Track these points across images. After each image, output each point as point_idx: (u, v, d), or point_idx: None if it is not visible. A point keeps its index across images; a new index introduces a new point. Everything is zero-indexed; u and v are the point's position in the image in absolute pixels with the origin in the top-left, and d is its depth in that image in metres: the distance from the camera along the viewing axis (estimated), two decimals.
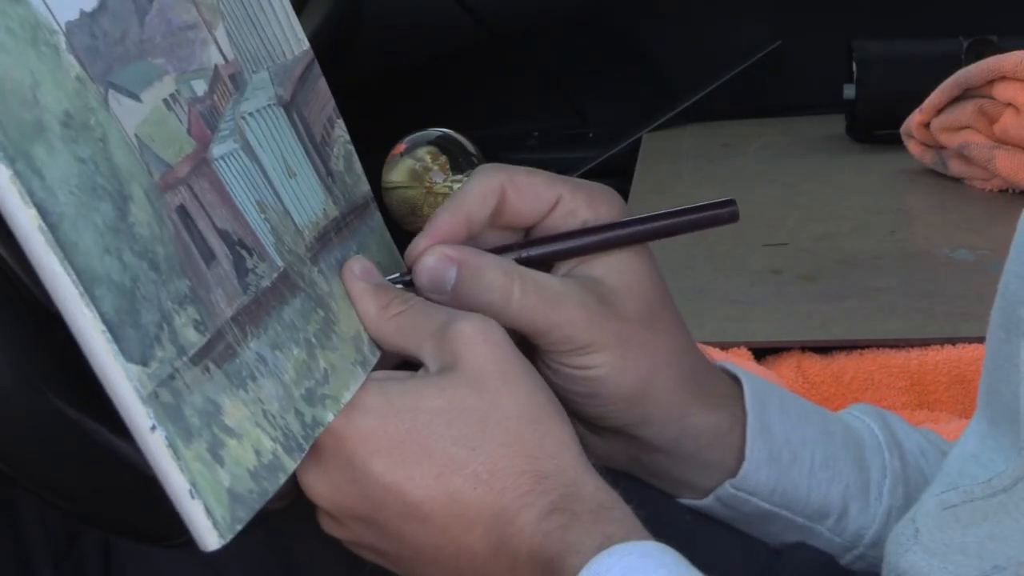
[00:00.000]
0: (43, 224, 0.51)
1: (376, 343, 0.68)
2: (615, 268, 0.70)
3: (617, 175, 1.88)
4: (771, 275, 1.48)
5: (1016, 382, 0.63)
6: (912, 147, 1.75)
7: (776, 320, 1.37)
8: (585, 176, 1.93)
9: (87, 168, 0.54)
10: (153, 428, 0.53)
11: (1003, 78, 1.64)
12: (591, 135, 2.12)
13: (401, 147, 1.80)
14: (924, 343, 1.30)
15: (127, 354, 0.53)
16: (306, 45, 0.74)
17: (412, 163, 1.78)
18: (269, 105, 0.69)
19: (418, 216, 1.78)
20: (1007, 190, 1.66)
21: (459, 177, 1.76)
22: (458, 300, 0.68)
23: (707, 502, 0.75)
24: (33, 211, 0.51)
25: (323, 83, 0.74)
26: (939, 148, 1.72)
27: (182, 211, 0.59)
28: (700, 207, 0.72)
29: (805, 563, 0.76)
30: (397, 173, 1.78)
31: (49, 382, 0.58)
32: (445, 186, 1.77)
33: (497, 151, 1.96)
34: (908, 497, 0.76)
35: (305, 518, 0.66)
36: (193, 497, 0.54)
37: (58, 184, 0.52)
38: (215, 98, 0.64)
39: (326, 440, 0.63)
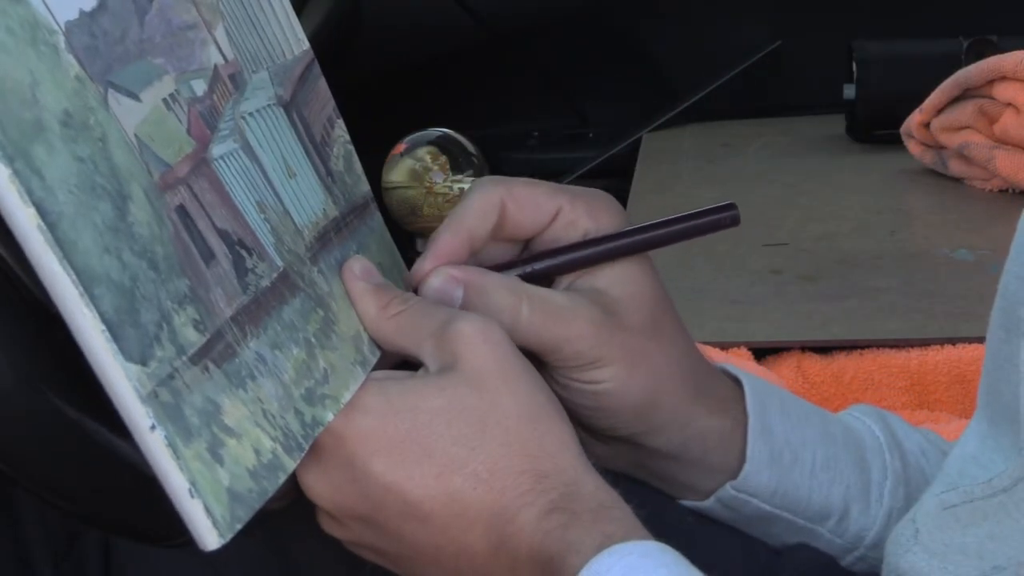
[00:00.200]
0: (42, 223, 0.51)
1: (376, 343, 0.68)
2: (618, 278, 0.70)
3: (617, 175, 1.88)
4: (771, 275, 1.48)
5: (1016, 382, 0.63)
6: (912, 147, 1.75)
7: (776, 320, 1.37)
8: (585, 176, 1.93)
9: (86, 167, 0.54)
10: (152, 427, 0.53)
11: (1003, 78, 1.64)
12: (591, 135, 2.12)
13: (401, 147, 1.79)
14: (924, 343, 1.30)
15: (126, 353, 0.53)
16: (306, 45, 0.74)
17: (412, 163, 1.78)
18: (269, 105, 0.69)
19: (418, 216, 1.78)
20: (1007, 190, 1.66)
21: (459, 177, 1.76)
22: None
23: (708, 503, 0.75)
24: (32, 210, 0.51)
25: (323, 83, 0.74)
26: (939, 148, 1.72)
27: (181, 211, 0.59)
28: (701, 212, 0.72)
29: (805, 564, 0.76)
30: (397, 173, 1.78)
31: (49, 382, 0.58)
32: (445, 186, 1.77)
33: (497, 151, 1.97)
34: (909, 498, 0.76)
35: (305, 518, 0.66)
36: (192, 496, 0.54)
37: (57, 183, 0.52)
38: (215, 98, 0.64)
39: (326, 440, 0.63)
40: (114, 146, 0.56)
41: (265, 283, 0.63)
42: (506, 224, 0.71)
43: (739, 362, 1.24)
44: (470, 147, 1.79)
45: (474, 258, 0.70)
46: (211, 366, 0.57)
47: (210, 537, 0.55)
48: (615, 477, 0.66)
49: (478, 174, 1.75)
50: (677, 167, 1.87)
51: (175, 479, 0.54)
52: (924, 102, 1.70)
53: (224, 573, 0.78)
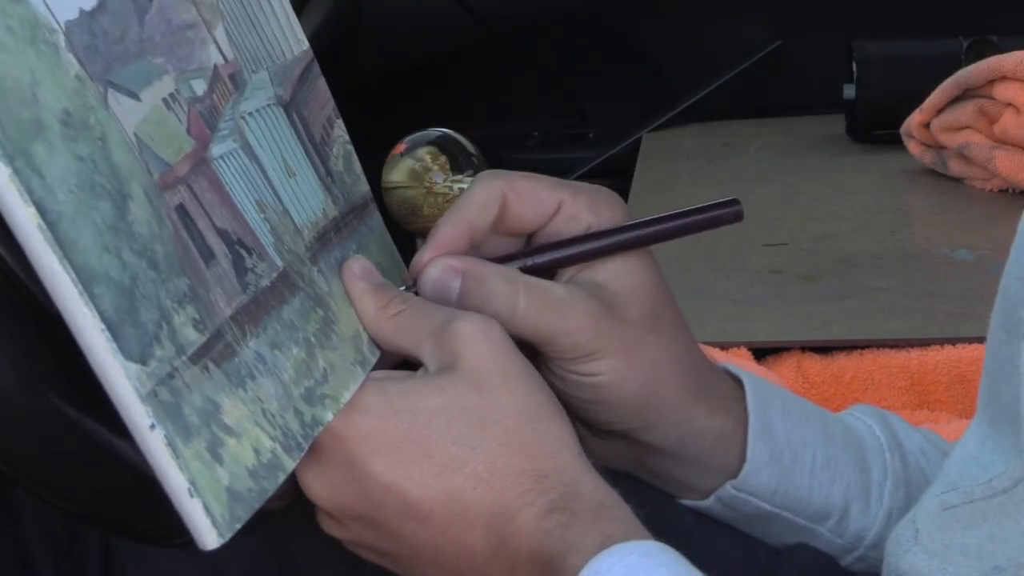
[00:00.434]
0: (42, 222, 0.51)
1: (375, 343, 0.68)
2: (619, 273, 0.70)
3: (617, 175, 1.88)
4: (771, 275, 1.48)
5: (1016, 383, 0.63)
6: (912, 147, 1.75)
7: (776, 320, 1.37)
8: (585, 176, 1.93)
9: (86, 167, 0.54)
10: (152, 427, 0.53)
11: (1003, 78, 1.64)
12: (591, 135, 2.12)
13: (401, 147, 1.79)
14: (924, 343, 1.30)
15: (126, 352, 0.53)
16: (306, 45, 0.74)
17: (412, 163, 1.77)
18: (269, 105, 0.69)
19: (418, 216, 1.77)
20: (1007, 190, 1.66)
21: (459, 177, 1.76)
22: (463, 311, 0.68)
23: (708, 503, 0.75)
24: (32, 209, 0.51)
25: (323, 83, 0.74)
26: (939, 148, 1.72)
27: (181, 210, 0.59)
28: (704, 208, 0.72)
29: (805, 564, 0.76)
30: (397, 173, 1.78)
31: (49, 382, 0.58)
32: (445, 186, 1.76)
33: (497, 151, 1.96)
34: (909, 498, 0.76)
35: (305, 518, 0.66)
36: (192, 496, 0.54)
37: (57, 182, 0.52)
38: (215, 98, 0.64)
39: (325, 440, 0.63)
40: (114, 145, 0.56)
41: (265, 283, 0.63)
42: (507, 217, 0.71)
43: (739, 362, 1.24)
44: (470, 147, 1.79)
45: (475, 251, 0.70)
46: (211, 365, 0.57)
47: (209, 536, 0.55)
48: (615, 476, 0.66)
49: (478, 174, 1.75)
50: (677, 167, 1.87)
51: (174, 478, 0.54)
52: (924, 102, 1.70)
53: (224, 573, 0.78)
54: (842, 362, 1.30)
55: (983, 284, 1.37)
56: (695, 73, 2.06)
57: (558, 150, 2.07)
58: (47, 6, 0.55)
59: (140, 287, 0.54)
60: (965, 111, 1.67)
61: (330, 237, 0.69)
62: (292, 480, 0.63)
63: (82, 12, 0.57)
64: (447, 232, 0.69)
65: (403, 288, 0.70)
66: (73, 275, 0.52)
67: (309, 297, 0.65)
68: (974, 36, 1.82)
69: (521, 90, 2.16)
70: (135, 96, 0.58)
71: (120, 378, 0.53)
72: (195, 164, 0.61)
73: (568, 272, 0.71)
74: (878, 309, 1.38)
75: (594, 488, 0.64)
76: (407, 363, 0.68)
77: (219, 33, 0.66)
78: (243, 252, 0.62)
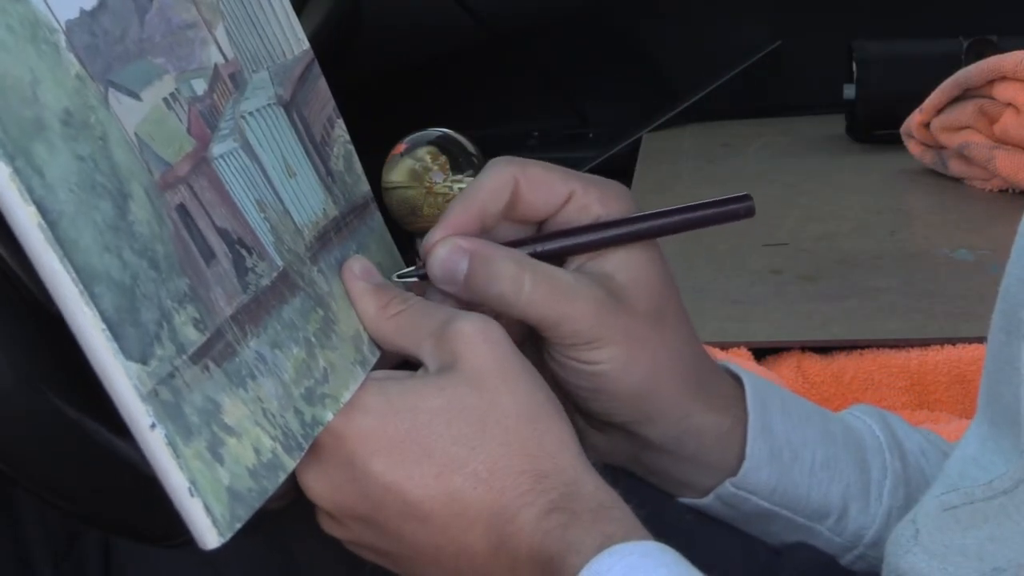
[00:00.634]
0: (42, 222, 0.51)
1: (376, 343, 0.68)
2: (626, 264, 0.70)
3: (617, 175, 1.86)
4: (771, 275, 1.48)
5: (1017, 384, 0.63)
6: (912, 147, 1.75)
7: (776, 320, 1.37)
8: None
9: (87, 166, 0.54)
10: (153, 426, 0.53)
11: (1003, 78, 1.64)
12: (591, 135, 2.12)
13: (401, 147, 1.79)
14: (924, 343, 1.30)
15: (127, 352, 0.53)
16: (306, 45, 0.74)
17: (412, 163, 1.77)
18: (269, 104, 0.69)
19: (418, 216, 1.77)
20: (1007, 190, 1.66)
21: (459, 177, 1.76)
22: (470, 291, 0.68)
23: (707, 501, 0.75)
24: (32, 208, 0.51)
25: (323, 83, 0.74)
26: (939, 148, 1.72)
27: (182, 210, 0.59)
28: (716, 202, 0.72)
29: (805, 563, 0.76)
30: (397, 173, 1.78)
31: (49, 382, 0.58)
32: (445, 186, 1.76)
33: (497, 151, 1.95)
34: (909, 498, 0.76)
35: (305, 518, 0.66)
36: (192, 495, 0.54)
37: (58, 182, 0.52)
38: (215, 97, 0.64)
39: (326, 440, 0.63)
40: (114, 145, 0.56)
41: (265, 282, 0.63)
42: (518, 204, 0.71)
43: (739, 362, 1.24)
44: (470, 147, 1.79)
45: (486, 236, 0.70)
46: (211, 365, 0.57)
47: (210, 536, 0.55)
48: (615, 476, 0.66)
49: (478, 174, 1.75)
50: (677, 167, 1.87)
51: (175, 478, 0.54)
52: (924, 102, 1.70)
53: (224, 573, 0.78)
54: (842, 362, 1.30)
55: (983, 284, 1.37)
56: (695, 73, 2.06)
57: (558, 150, 2.07)
58: (47, 5, 0.55)
59: (141, 287, 0.54)
60: (965, 111, 1.67)
61: (330, 237, 0.69)
62: (292, 480, 0.63)
63: (82, 11, 0.57)
64: (458, 214, 0.69)
65: (414, 269, 0.70)
66: (74, 274, 0.52)
67: (309, 297, 0.65)
68: (974, 36, 1.82)
69: (521, 90, 2.16)
70: (136, 96, 0.58)
71: (121, 377, 0.53)
72: (195, 164, 0.61)
73: (576, 261, 0.71)
74: (878, 309, 1.38)
75: (594, 488, 0.64)
76: (407, 363, 0.68)
77: (219, 33, 0.66)
78: (243, 252, 0.62)
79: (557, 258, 0.71)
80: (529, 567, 0.62)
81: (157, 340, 0.54)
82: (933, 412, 1.26)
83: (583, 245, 0.70)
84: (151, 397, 0.53)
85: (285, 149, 0.68)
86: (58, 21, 0.55)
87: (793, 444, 0.74)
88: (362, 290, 0.68)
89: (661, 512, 0.70)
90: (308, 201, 0.69)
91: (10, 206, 0.51)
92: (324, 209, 0.70)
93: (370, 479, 0.63)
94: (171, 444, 0.54)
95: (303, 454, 0.61)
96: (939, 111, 1.69)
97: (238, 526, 0.56)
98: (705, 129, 2.01)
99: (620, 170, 1.91)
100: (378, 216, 0.75)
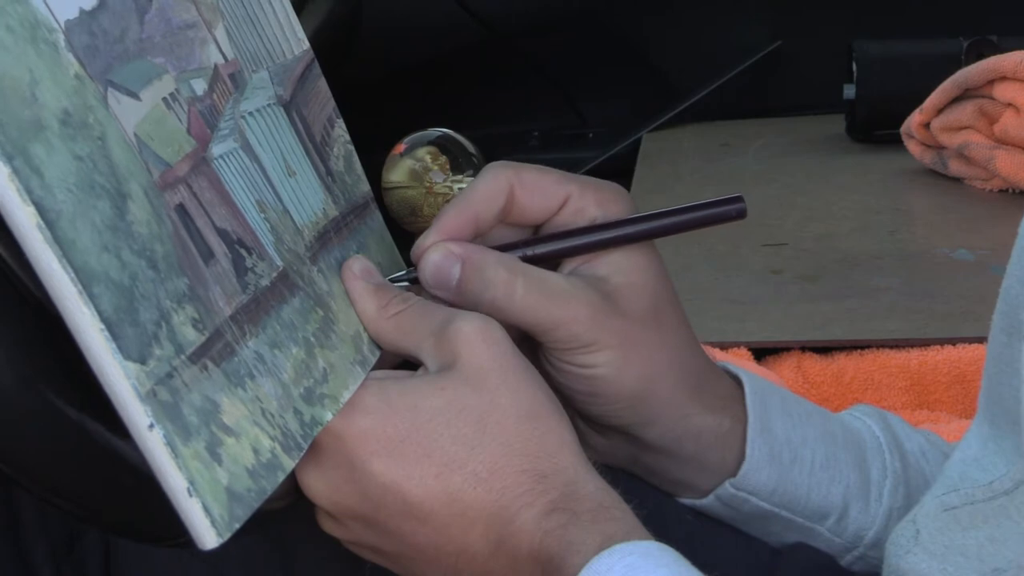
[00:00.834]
0: (41, 221, 0.51)
1: (375, 342, 0.68)
2: (621, 266, 0.70)
3: (617, 175, 1.88)
4: (771, 275, 1.48)
5: (1017, 386, 0.63)
6: (912, 147, 1.75)
7: (776, 320, 1.37)
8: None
9: (85, 166, 0.54)
10: (151, 426, 0.53)
11: (1003, 78, 1.64)
12: (591, 135, 2.12)
13: (401, 147, 1.79)
14: (924, 343, 1.30)
15: (125, 352, 0.53)
16: (306, 45, 0.74)
17: (412, 163, 1.77)
18: (269, 104, 0.69)
19: (418, 216, 1.77)
20: (1007, 190, 1.66)
21: (459, 177, 1.76)
22: (462, 296, 0.68)
23: (707, 501, 0.75)
24: (31, 209, 0.51)
25: (323, 83, 0.74)
26: (939, 148, 1.72)
27: (181, 210, 0.59)
28: (708, 203, 0.72)
29: (805, 563, 0.76)
30: (397, 173, 1.78)
31: (49, 382, 0.58)
32: (445, 186, 1.76)
33: (497, 151, 1.96)
34: (909, 498, 0.76)
35: (305, 518, 0.66)
36: (191, 495, 0.54)
37: (56, 182, 0.52)
38: (215, 97, 0.64)
39: (325, 440, 0.63)
40: (113, 145, 0.56)
41: (264, 282, 0.63)
42: (514, 208, 0.70)
43: (739, 362, 1.24)
44: (470, 147, 1.79)
45: (481, 240, 0.70)
46: (210, 365, 0.57)
47: (208, 536, 0.55)
48: (615, 476, 0.66)
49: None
50: (677, 167, 1.87)
51: (173, 478, 0.54)
52: (924, 102, 1.70)
53: (224, 573, 0.77)
54: (842, 362, 1.30)
55: (983, 284, 1.37)
56: (695, 73, 2.06)
57: (558, 150, 2.07)
58: (47, 5, 0.55)
59: (139, 287, 0.54)
60: (965, 111, 1.67)
61: (330, 237, 0.69)
62: (292, 480, 0.63)
63: (82, 11, 0.57)
64: (451, 218, 0.69)
65: (405, 273, 0.70)
66: (72, 274, 0.52)
67: (309, 297, 0.65)
68: (974, 36, 1.82)
69: (521, 90, 2.16)
70: (135, 96, 0.58)
71: (119, 377, 0.53)
72: (195, 164, 0.61)
73: (571, 264, 0.71)
74: (878, 309, 1.38)
75: (594, 488, 0.64)
76: (407, 363, 0.68)
77: (219, 33, 0.66)
78: (243, 252, 0.62)
79: (552, 262, 0.71)
80: (529, 567, 0.62)
81: (156, 340, 0.54)
82: (933, 412, 1.26)
83: (576, 248, 0.70)
84: (150, 397, 0.53)
85: (285, 149, 0.68)
86: (57, 21, 0.55)
87: (793, 444, 0.74)
88: (362, 290, 0.68)
89: (661, 512, 0.70)
90: (308, 201, 0.69)
91: (9, 206, 0.51)
92: (324, 209, 0.70)
93: (370, 479, 0.63)
94: (169, 444, 0.54)
95: (302, 454, 0.61)
96: (939, 111, 1.69)
97: (237, 526, 0.56)
98: (705, 129, 2.02)
99: (620, 170, 1.91)
100: (378, 216, 0.75)
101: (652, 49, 2.11)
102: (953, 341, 1.30)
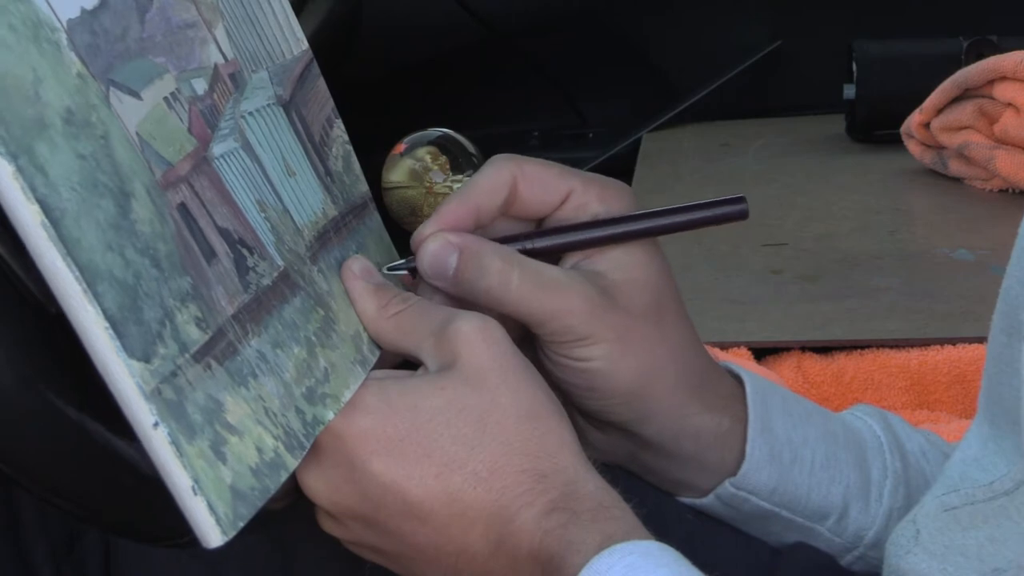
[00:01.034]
0: (45, 220, 0.51)
1: (375, 342, 0.68)
2: (621, 262, 0.70)
3: (617, 175, 1.87)
4: (771, 275, 1.48)
5: (1017, 386, 0.63)
6: (912, 147, 1.75)
7: (776, 320, 1.37)
8: None
9: (89, 165, 0.54)
10: (156, 425, 0.53)
11: (1003, 78, 1.64)
12: (591, 135, 2.12)
13: (401, 147, 1.80)
14: (924, 343, 1.30)
15: (129, 350, 0.53)
16: (305, 45, 0.74)
17: (412, 163, 1.78)
18: (268, 104, 0.69)
19: (418, 216, 1.78)
20: (1007, 190, 1.66)
21: (459, 177, 1.76)
22: (458, 286, 0.68)
23: (707, 501, 0.75)
24: (36, 207, 0.51)
25: (322, 83, 0.74)
26: (939, 148, 1.72)
27: (183, 209, 0.59)
28: (710, 203, 0.72)
29: (805, 563, 0.76)
30: (397, 173, 1.78)
31: (49, 382, 0.58)
32: (445, 186, 1.77)
33: (497, 151, 1.95)
34: (909, 498, 0.76)
35: (305, 518, 0.66)
36: (195, 494, 0.54)
37: (60, 180, 0.52)
38: (215, 97, 0.64)
39: (325, 439, 0.63)
40: (116, 144, 0.56)
41: (266, 282, 0.63)
42: (516, 201, 0.70)
43: (739, 362, 1.24)
44: (470, 147, 1.79)
45: (482, 232, 0.70)
46: (213, 364, 0.57)
47: (213, 535, 0.55)
48: (614, 475, 0.66)
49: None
50: (677, 167, 1.87)
51: (178, 477, 0.54)
52: (924, 102, 1.70)
53: (224, 573, 0.77)
54: (842, 362, 1.30)
55: (983, 284, 1.37)
56: (695, 73, 2.06)
57: (558, 150, 2.07)
58: (49, 4, 0.55)
59: (143, 285, 0.54)
60: (965, 111, 1.67)
61: (330, 237, 0.69)
62: (293, 480, 0.63)
63: (83, 11, 0.57)
64: (453, 209, 0.69)
65: (404, 262, 0.70)
66: (76, 273, 0.52)
67: (310, 296, 0.65)
68: (974, 36, 1.82)
69: (521, 90, 2.16)
70: (136, 95, 0.58)
71: (123, 376, 0.53)
72: (196, 163, 0.61)
73: (571, 259, 0.71)
74: (878, 309, 1.38)
75: (594, 488, 0.64)
76: (407, 363, 0.68)
77: (219, 32, 0.66)
78: (244, 251, 0.62)
79: (552, 256, 0.71)
80: (529, 567, 0.62)
81: (159, 338, 0.54)
82: (933, 412, 1.26)
83: (576, 243, 0.70)
84: (154, 396, 0.53)
85: (285, 149, 0.69)
86: (59, 20, 0.55)
87: (793, 444, 0.74)
88: (362, 290, 0.68)
89: (661, 511, 0.70)
90: (308, 201, 0.69)
91: (13, 205, 0.51)
92: (323, 209, 0.70)
93: (370, 479, 0.63)
94: (174, 443, 0.54)
95: (305, 453, 0.61)
96: (939, 111, 1.69)
97: (241, 525, 0.56)
98: (705, 129, 2.02)
99: (620, 170, 1.90)
100: (376, 216, 0.75)
101: (652, 49, 2.11)
102: (953, 341, 1.30)
